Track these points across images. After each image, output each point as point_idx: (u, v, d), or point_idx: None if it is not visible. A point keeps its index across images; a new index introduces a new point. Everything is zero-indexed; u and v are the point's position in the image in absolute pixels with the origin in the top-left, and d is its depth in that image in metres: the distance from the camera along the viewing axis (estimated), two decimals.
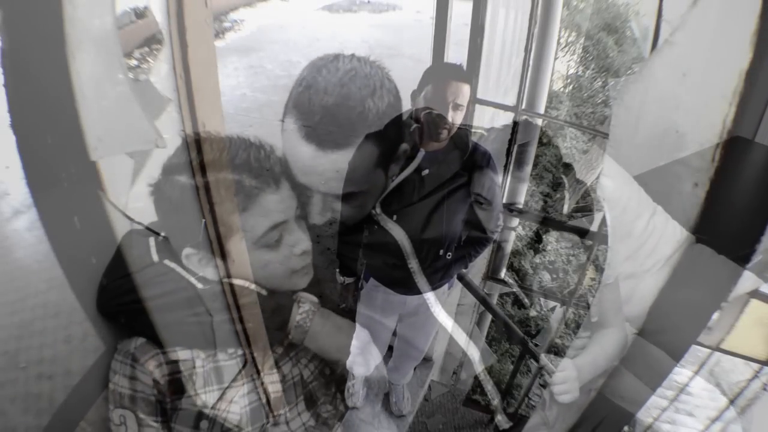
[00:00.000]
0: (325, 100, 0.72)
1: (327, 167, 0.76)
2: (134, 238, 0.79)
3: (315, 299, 0.86)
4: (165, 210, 0.74)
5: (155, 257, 0.76)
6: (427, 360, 2.41)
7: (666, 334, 0.89)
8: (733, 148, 0.69)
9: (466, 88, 1.27)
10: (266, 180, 0.72)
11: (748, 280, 0.86)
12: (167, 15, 0.53)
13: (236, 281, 0.75)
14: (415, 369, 2.15)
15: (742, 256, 0.74)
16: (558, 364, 1.11)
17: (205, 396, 0.78)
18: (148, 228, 0.79)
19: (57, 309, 0.76)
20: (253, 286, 0.78)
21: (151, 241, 0.78)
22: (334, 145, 0.74)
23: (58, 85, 0.65)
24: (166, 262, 0.76)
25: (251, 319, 0.75)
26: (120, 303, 0.75)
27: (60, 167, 0.67)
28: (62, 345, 0.76)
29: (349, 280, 1.50)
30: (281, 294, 0.82)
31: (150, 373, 0.74)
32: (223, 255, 0.70)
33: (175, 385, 0.76)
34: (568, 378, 1.07)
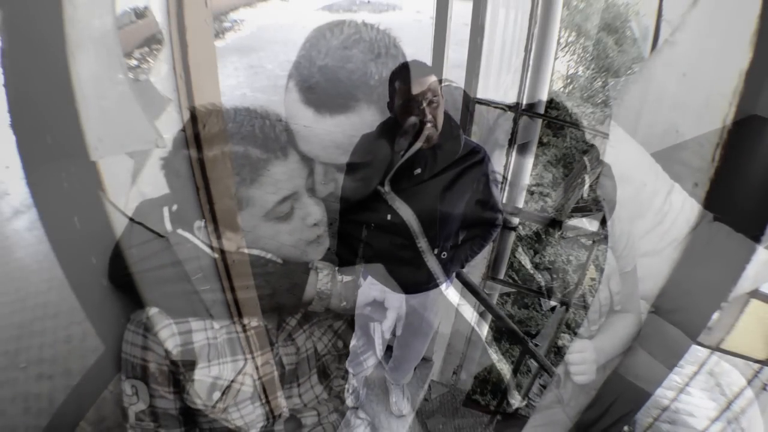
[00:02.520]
0: (324, 61, 0.70)
1: (325, 133, 0.74)
2: (148, 207, 0.79)
3: (330, 264, 0.86)
4: (175, 183, 0.73)
5: (169, 226, 0.76)
6: (427, 360, 2.41)
7: (682, 313, 0.89)
8: (750, 125, 0.69)
9: (432, 82, 1.20)
10: (272, 151, 0.71)
11: (747, 280, 0.86)
12: (167, 15, 0.53)
13: (253, 251, 0.75)
14: (415, 369, 2.15)
15: (755, 237, 0.74)
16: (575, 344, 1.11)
17: (218, 368, 0.78)
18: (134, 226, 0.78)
19: (57, 309, 0.76)
20: (269, 255, 0.78)
21: (165, 211, 0.77)
22: (332, 108, 0.72)
23: (58, 85, 0.65)
24: (180, 231, 0.75)
25: (247, 293, 0.75)
26: (132, 272, 0.75)
27: (60, 167, 0.67)
28: (62, 345, 0.76)
29: (347, 278, 1.50)
30: (296, 265, 0.81)
31: (162, 343, 0.74)
32: (234, 229, 0.69)
33: (188, 355, 0.76)
34: (586, 360, 1.07)
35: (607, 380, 1.04)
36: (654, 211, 0.89)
